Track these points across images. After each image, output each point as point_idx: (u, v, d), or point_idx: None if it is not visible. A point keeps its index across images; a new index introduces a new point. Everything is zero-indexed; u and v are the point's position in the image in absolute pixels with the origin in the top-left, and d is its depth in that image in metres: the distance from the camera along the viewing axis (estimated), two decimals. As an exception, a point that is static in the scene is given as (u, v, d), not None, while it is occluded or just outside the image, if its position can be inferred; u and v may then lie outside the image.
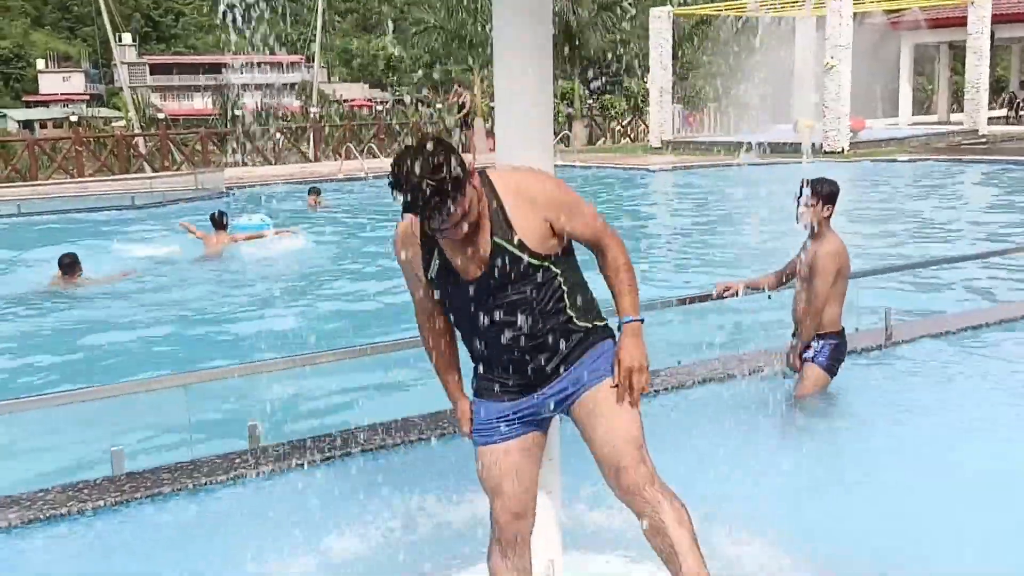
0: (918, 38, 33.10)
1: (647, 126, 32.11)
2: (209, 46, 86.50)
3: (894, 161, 23.09)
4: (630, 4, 34.52)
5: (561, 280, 2.93)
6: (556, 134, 30.18)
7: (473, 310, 2.92)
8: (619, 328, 3.04)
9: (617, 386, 2.95)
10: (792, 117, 29.57)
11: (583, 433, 2.99)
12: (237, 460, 4.85)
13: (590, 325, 3.00)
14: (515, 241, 2.84)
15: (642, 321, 3.01)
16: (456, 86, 27.58)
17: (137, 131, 34.63)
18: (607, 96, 37.54)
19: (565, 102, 35.36)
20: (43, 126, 70.65)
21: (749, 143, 25.45)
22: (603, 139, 35.19)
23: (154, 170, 26.77)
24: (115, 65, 73.70)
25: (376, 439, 5.07)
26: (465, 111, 23.73)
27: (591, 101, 36.81)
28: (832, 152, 24.76)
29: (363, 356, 5.63)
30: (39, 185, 23.44)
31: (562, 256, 2.94)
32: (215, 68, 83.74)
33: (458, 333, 3.10)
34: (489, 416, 3.04)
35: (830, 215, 5.47)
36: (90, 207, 17.75)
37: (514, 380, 3.00)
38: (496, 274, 2.86)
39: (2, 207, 17.82)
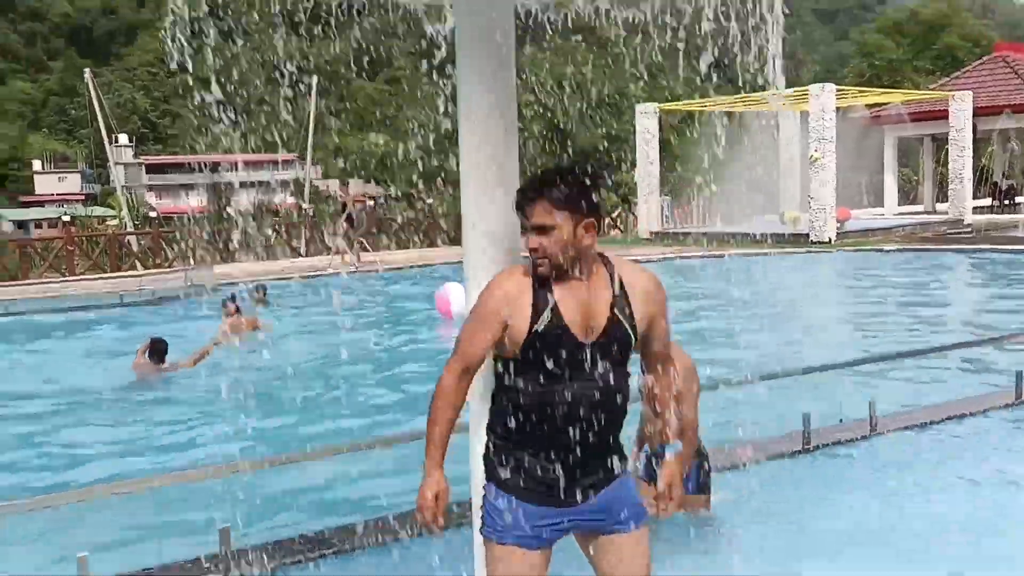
0: (901, 131, 33.72)
1: (636, 218, 32.43)
2: (205, 146, 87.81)
3: (880, 251, 23.26)
4: (617, 102, 35.28)
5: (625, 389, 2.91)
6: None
7: (569, 376, 2.76)
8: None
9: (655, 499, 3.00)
10: (779, 208, 29.92)
11: (599, 568, 2.95)
12: (207, 565, 4.72)
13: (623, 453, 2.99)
14: (633, 322, 2.83)
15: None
16: (340, 188, 28.20)
17: (129, 229, 34.86)
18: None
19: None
20: (38, 226, 71.22)
21: (736, 234, 25.67)
22: (593, 232, 35.50)
23: (145, 268, 26.84)
24: (111, 165, 74.77)
25: (352, 540, 4.95)
26: (347, 211, 24.72)
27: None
28: (819, 242, 24.96)
29: (337, 454, 5.55)
30: (28, 284, 23.44)
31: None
32: (211, 167, 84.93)
33: (510, 407, 2.85)
34: (531, 520, 2.83)
35: None
36: (78, 306, 17.69)
37: (562, 478, 2.80)
38: (614, 346, 2.80)
39: (-10, 307, 17.76)
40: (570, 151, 34.96)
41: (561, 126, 33.97)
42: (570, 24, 3.95)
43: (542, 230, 2.75)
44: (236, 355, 11.13)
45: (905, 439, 6.73)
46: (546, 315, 2.77)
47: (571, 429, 2.78)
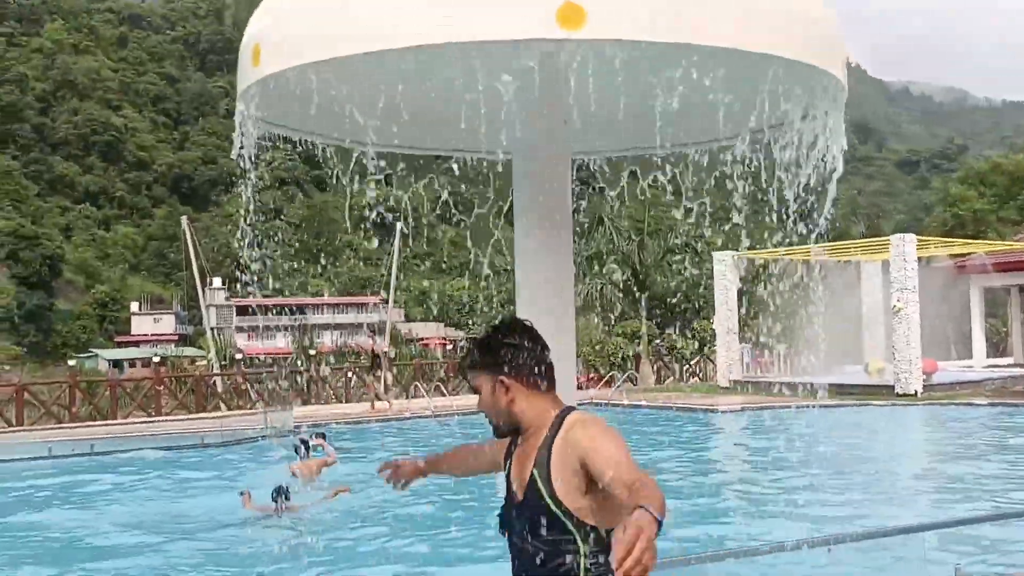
0: (987, 281, 33.03)
1: (715, 365, 32.09)
2: (294, 290, 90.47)
3: (970, 405, 22.47)
4: (695, 248, 35.50)
5: (578, 556, 2.64)
6: (623, 373, 30.47)
7: (510, 531, 2.84)
8: None
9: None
10: (863, 359, 29.30)
11: None
12: None
13: None
14: (550, 488, 2.66)
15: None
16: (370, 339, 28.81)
17: (216, 370, 35.76)
18: (674, 336, 37.86)
19: (634, 342, 35.74)
20: (132, 365, 73.55)
21: (820, 385, 25.13)
22: (670, 378, 35.17)
23: (229, 408, 27.38)
24: (203, 307, 77.46)
25: None
26: (377, 363, 25.65)
27: (658, 341, 37.12)
28: (904, 395, 24.27)
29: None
30: (116, 424, 24.07)
31: (590, 531, 2.64)
32: (299, 310, 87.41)
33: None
34: None
35: None
36: (160, 446, 18.07)
37: None
38: (530, 512, 2.71)
39: (78, 447, 18.24)
40: (647, 296, 35.07)
41: (639, 272, 34.17)
42: (646, 175, 4.10)
43: (475, 391, 2.89)
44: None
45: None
46: (506, 467, 2.91)
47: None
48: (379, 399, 24.77)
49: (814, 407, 21.94)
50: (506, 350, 2.78)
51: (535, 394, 2.78)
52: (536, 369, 2.78)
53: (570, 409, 2.81)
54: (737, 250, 30.96)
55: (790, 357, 32.07)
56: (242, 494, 11.14)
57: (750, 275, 32.92)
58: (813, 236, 4.00)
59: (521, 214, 3.52)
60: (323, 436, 13.62)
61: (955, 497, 11.83)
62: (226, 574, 8.97)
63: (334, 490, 11.66)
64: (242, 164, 3.53)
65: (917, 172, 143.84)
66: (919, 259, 26.02)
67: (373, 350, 26.15)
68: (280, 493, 10.91)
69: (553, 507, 2.65)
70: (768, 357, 33.60)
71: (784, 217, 3.83)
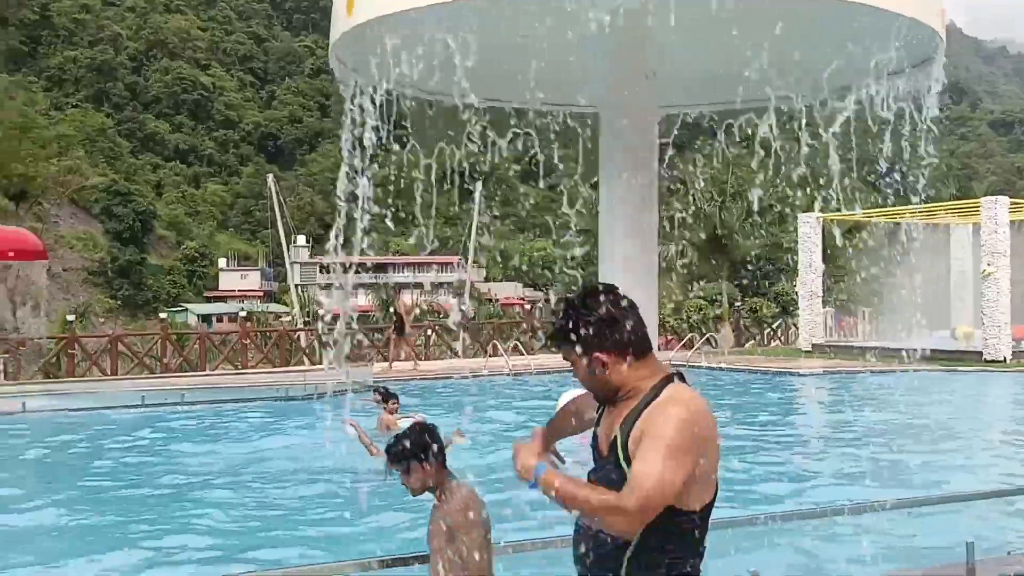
0: (1084, 245, 31.83)
1: (797, 329, 31.63)
2: (376, 248, 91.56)
3: (1063, 371, 21.82)
4: (778, 209, 34.86)
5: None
6: (702, 335, 30.23)
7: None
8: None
9: None
10: (950, 324, 28.58)
11: None
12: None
13: None
14: (626, 452, 2.69)
15: (538, 487, 2.72)
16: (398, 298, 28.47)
17: (299, 326, 36.53)
18: (756, 299, 37.36)
19: (714, 305, 35.41)
20: (219, 319, 75.56)
21: (908, 349, 24.61)
22: (751, 341, 34.78)
23: (312, 363, 27.98)
24: (287, 265, 78.94)
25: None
26: (399, 321, 25.61)
27: (739, 303, 36.69)
28: (993, 361, 23.64)
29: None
30: (204, 375, 24.84)
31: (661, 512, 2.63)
32: (381, 268, 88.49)
33: None
34: None
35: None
36: (246, 397, 18.60)
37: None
38: (609, 472, 2.73)
39: (169, 396, 18.90)
40: (729, 259, 34.65)
41: (720, 233, 33.76)
42: (735, 132, 4.05)
43: (569, 362, 2.88)
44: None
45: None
46: (598, 423, 2.94)
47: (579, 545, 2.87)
48: (398, 360, 25.04)
49: (898, 372, 21.52)
50: (596, 326, 2.75)
51: (632, 363, 2.77)
52: (629, 338, 2.76)
53: (670, 379, 2.79)
54: (823, 212, 30.33)
55: (875, 321, 31.45)
56: (344, 422, 11.20)
57: (836, 238, 32.26)
58: (902, 198, 3.92)
59: (606, 170, 3.52)
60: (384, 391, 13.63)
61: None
62: (315, 518, 9.23)
63: (453, 436, 11.38)
64: (342, 115, 3.60)
65: (1012, 134, 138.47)
66: (1011, 223, 25.18)
67: (397, 310, 26.11)
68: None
69: (627, 468, 2.68)
70: (852, 321, 32.98)
71: (873, 178, 3.76)
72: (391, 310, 33.81)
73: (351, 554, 6.79)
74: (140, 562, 7.79)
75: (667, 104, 4.13)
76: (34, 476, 12.02)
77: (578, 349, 2.77)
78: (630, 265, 3.42)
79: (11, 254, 18.65)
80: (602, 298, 2.79)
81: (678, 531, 2.70)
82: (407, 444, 4.17)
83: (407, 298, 28.07)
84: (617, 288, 2.84)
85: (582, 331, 2.75)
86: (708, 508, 2.76)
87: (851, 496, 8.54)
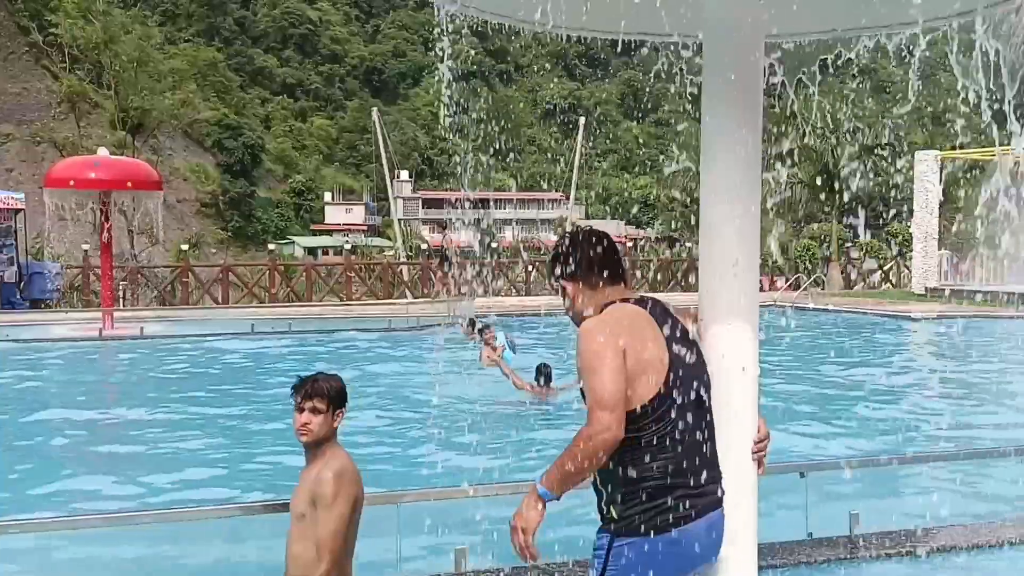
0: None
1: (910, 271, 30.61)
2: (478, 183, 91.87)
3: None
4: (895, 147, 33.54)
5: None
6: (810, 275, 29.52)
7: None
8: None
9: None
10: (1076, 268, 27.21)
11: None
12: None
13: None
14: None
15: (550, 495, 2.89)
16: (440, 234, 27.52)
17: (402, 260, 37.01)
18: (869, 240, 36.21)
19: (823, 245, 34.45)
20: (325, 252, 77.16)
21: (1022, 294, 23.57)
22: (861, 283, 33.81)
23: (414, 297, 28.38)
24: (391, 199, 79.88)
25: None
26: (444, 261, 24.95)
27: (850, 244, 35.63)
28: (1123, 308, 22.45)
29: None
30: (312, 306, 25.44)
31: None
32: (483, 203, 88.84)
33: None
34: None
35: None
36: (351, 328, 18.98)
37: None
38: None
39: (277, 325, 19.42)
40: (842, 197, 33.55)
41: (833, 171, 32.66)
42: (852, 67, 3.83)
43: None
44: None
45: None
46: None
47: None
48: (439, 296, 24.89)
49: (1016, 318, 20.66)
50: (560, 258, 3.16)
51: (594, 290, 3.10)
52: (578, 269, 3.11)
53: (613, 303, 3.07)
54: (942, 149, 29.08)
55: (994, 265, 30.16)
56: (473, 326, 11.00)
57: (955, 177, 30.95)
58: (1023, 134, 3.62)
59: (709, 100, 3.35)
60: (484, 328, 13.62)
61: None
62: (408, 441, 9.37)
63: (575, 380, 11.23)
64: (438, 51, 3.57)
65: None
66: None
67: (441, 245, 25.65)
68: (541, 373, 10.88)
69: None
70: (969, 264, 31.73)
71: (994, 113, 3.50)
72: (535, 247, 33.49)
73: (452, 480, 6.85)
74: (240, 482, 8.03)
75: (777, 32, 3.86)
76: (147, 397, 12.50)
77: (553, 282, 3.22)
78: (731, 196, 3.28)
79: (129, 184, 19.24)
80: (572, 236, 3.23)
81: (641, 439, 2.84)
82: (334, 386, 4.01)
83: (449, 236, 27.68)
84: (592, 229, 3.22)
85: (549, 265, 3.22)
86: (662, 403, 2.86)
87: (960, 442, 8.26)
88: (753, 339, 3.26)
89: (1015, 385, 12.61)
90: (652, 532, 2.83)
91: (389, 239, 70.19)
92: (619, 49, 4.25)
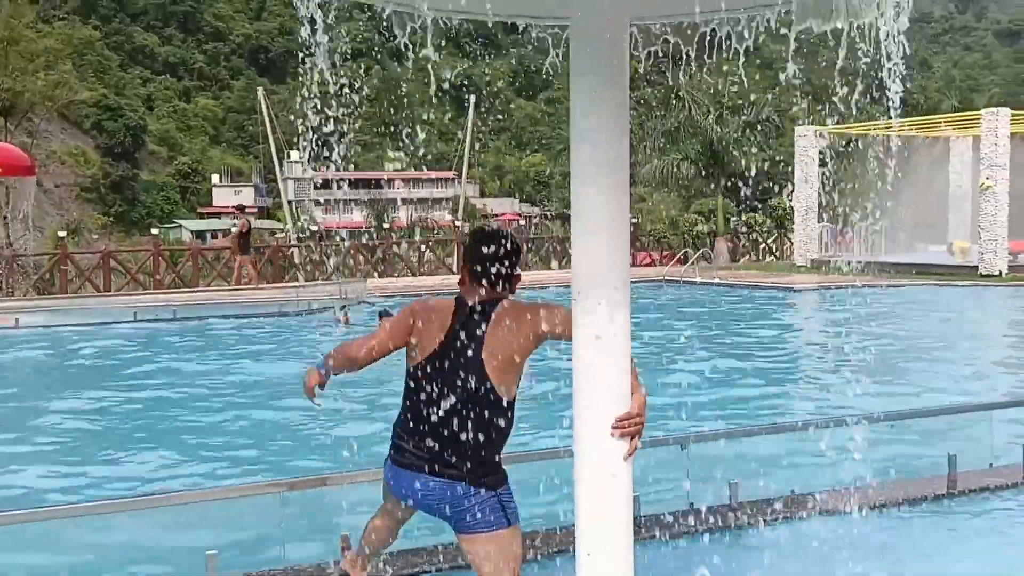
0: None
1: (793, 244, 31.58)
2: (371, 163, 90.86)
3: (1058, 286, 21.82)
4: (775, 122, 34.45)
5: None
6: (697, 250, 30.17)
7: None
8: None
9: None
10: (947, 238, 28.53)
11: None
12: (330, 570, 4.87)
13: None
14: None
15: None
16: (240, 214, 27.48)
17: (293, 242, 36.40)
18: (751, 213, 37.19)
19: (710, 220, 35.24)
20: (214, 236, 75.33)
21: (899, 264, 24.58)
22: (747, 256, 34.73)
23: (306, 279, 27.94)
24: (280, 180, 78.36)
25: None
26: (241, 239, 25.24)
27: (734, 218, 36.53)
28: (989, 275, 23.64)
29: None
30: (197, 292, 24.80)
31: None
32: (376, 183, 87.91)
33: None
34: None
35: None
36: (239, 314, 18.58)
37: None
38: None
39: (161, 312, 18.88)
40: (724, 173, 34.31)
41: (716, 147, 33.36)
42: (735, 44, 3.88)
43: None
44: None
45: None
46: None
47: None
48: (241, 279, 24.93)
49: (893, 287, 21.54)
50: (516, 255, 3.73)
51: (464, 286, 3.71)
52: (467, 267, 3.69)
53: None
54: (821, 125, 30.01)
55: (872, 236, 31.38)
56: (343, 309, 10.96)
57: (833, 151, 32.00)
58: (897, 110, 3.74)
59: (576, 81, 3.38)
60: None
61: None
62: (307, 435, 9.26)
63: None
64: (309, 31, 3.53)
65: (1019, 43, 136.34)
66: (1012, 135, 24.91)
67: (243, 227, 25.45)
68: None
69: None
70: (849, 236, 32.94)
71: (866, 90, 3.60)
72: (303, 225, 32.91)
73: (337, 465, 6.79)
74: (128, 475, 7.82)
75: (642, 14, 3.89)
76: (25, 391, 12.02)
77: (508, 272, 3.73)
78: (599, 171, 3.35)
79: (-2, 169, 18.41)
80: (473, 233, 3.95)
81: (407, 389, 3.68)
82: None
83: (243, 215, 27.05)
84: (488, 229, 3.90)
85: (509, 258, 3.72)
86: (424, 369, 3.59)
87: (837, 410, 8.55)
88: (611, 309, 3.28)
89: (892, 354, 13.13)
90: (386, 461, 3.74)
91: (280, 221, 68.93)
92: (508, 26, 4.24)
